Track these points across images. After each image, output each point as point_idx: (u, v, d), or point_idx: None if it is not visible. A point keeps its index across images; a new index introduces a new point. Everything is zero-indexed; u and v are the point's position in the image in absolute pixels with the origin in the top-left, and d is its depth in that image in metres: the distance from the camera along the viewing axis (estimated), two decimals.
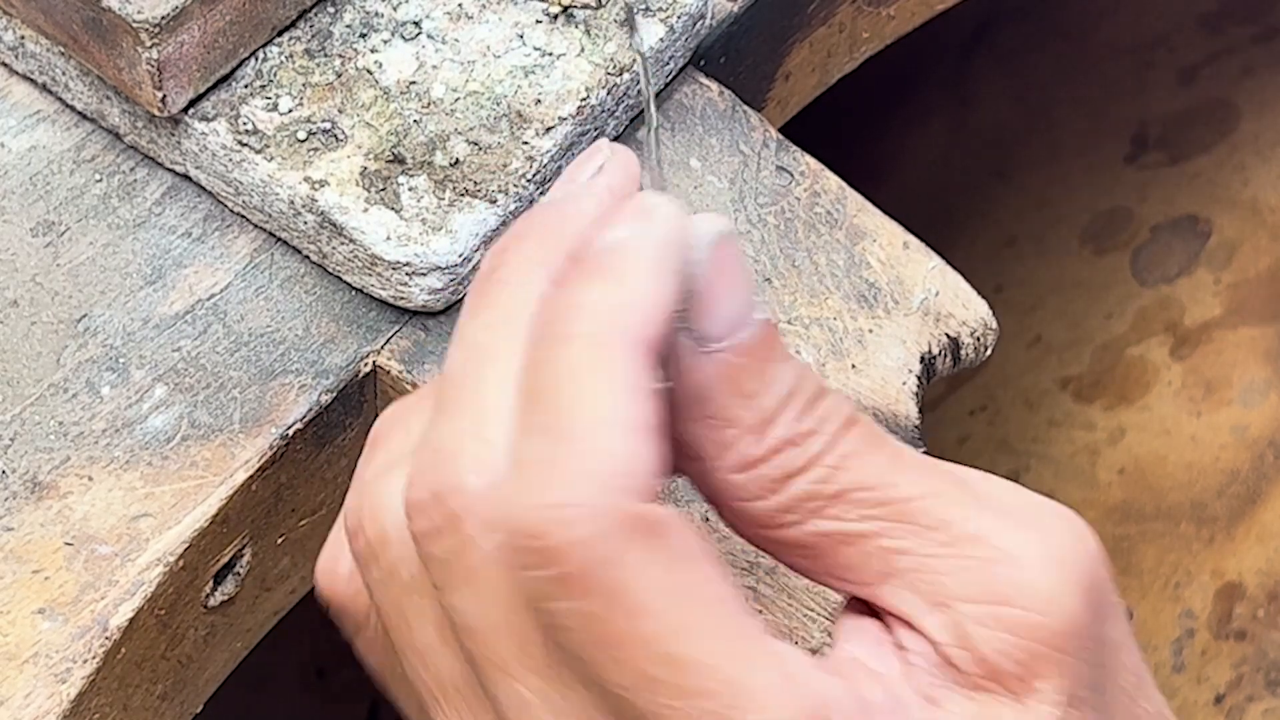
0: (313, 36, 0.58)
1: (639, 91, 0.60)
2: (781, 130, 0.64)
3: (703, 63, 0.63)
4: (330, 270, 0.57)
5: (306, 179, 0.55)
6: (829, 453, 0.41)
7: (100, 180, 0.58)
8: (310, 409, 0.54)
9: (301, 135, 0.56)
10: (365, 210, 0.55)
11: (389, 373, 0.55)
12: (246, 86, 0.57)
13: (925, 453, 0.56)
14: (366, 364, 0.55)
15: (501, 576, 0.38)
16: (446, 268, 0.55)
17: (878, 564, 0.41)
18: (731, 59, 0.64)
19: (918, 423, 0.58)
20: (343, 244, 0.55)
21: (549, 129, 0.57)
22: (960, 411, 1.07)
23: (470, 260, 0.55)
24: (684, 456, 0.41)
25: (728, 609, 0.38)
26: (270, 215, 0.56)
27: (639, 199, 0.41)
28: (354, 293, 0.57)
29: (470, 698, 0.41)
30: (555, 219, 0.42)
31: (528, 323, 0.40)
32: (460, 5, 0.60)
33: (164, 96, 0.55)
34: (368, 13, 0.59)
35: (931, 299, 0.60)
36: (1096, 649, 0.40)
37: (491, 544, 0.38)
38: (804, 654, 0.39)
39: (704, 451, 0.41)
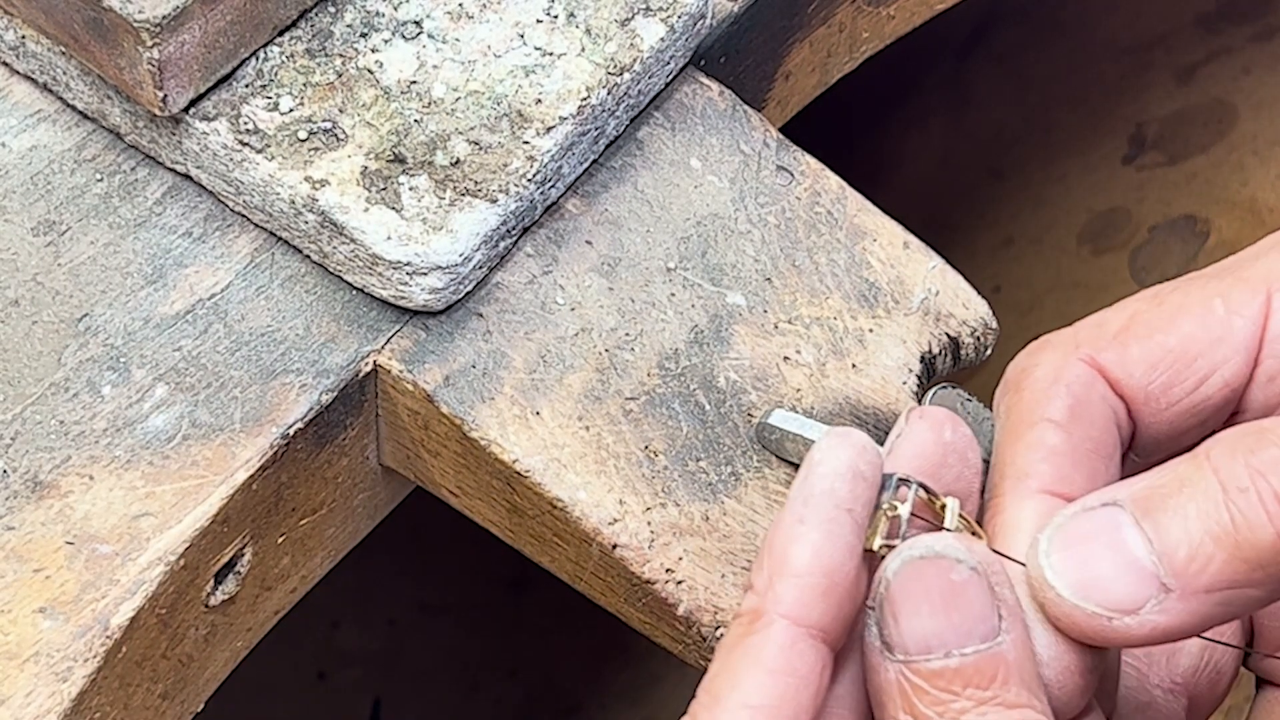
0: (313, 36, 0.58)
1: (640, 92, 0.60)
2: (781, 130, 0.64)
3: (703, 63, 0.63)
4: (331, 270, 0.57)
5: (307, 178, 0.55)
6: None
7: (101, 180, 0.58)
8: (311, 408, 0.54)
9: (302, 135, 0.56)
10: (366, 210, 0.55)
11: (389, 372, 0.55)
12: (247, 86, 0.57)
13: None
14: (367, 363, 0.55)
15: None
16: (447, 267, 0.55)
17: None
18: (732, 59, 0.64)
19: None
20: (343, 244, 0.55)
21: (550, 129, 0.57)
22: None
23: (470, 259, 0.55)
24: None
25: None
26: (271, 215, 0.56)
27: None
28: (354, 292, 0.57)
29: None
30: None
31: None
32: (461, 5, 0.60)
33: (165, 96, 0.55)
34: (368, 12, 0.59)
35: (932, 299, 0.60)
36: None
37: None
38: None
39: None
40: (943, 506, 0.45)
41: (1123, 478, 0.46)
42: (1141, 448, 0.49)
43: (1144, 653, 0.51)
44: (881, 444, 0.46)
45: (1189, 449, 0.44)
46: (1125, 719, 0.50)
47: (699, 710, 0.43)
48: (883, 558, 0.44)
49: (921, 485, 0.45)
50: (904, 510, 0.45)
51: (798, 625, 0.42)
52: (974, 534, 0.46)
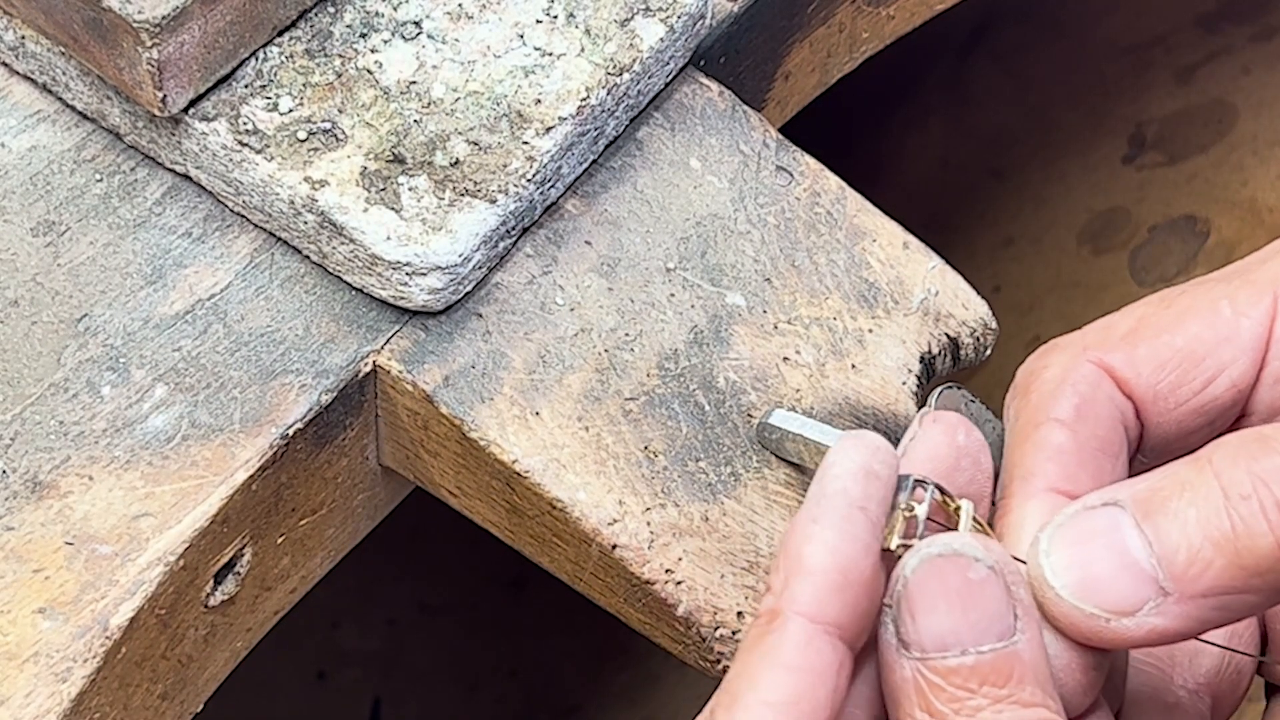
0: (313, 36, 0.58)
1: (640, 92, 0.60)
2: (781, 130, 0.64)
3: (703, 63, 0.63)
4: (330, 270, 0.57)
5: (307, 179, 0.55)
6: None
7: (100, 180, 0.58)
8: (310, 409, 0.54)
9: (302, 135, 0.56)
10: (365, 210, 0.55)
11: (389, 372, 0.55)
12: (247, 86, 0.57)
13: None
14: (366, 364, 0.55)
15: None
16: (446, 267, 0.55)
17: None
18: (731, 59, 0.64)
19: None
20: (343, 244, 0.55)
21: (549, 129, 0.57)
22: None
23: (470, 260, 0.55)
24: None
25: None
26: (270, 215, 0.56)
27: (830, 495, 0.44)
28: (354, 293, 0.57)
29: None
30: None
31: None
32: (460, 5, 0.60)
33: (164, 96, 0.55)
34: (368, 13, 0.59)
35: (931, 299, 0.60)
36: None
37: None
38: None
39: None
40: (957, 509, 0.45)
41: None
42: (1150, 449, 0.49)
43: (1167, 655, 0.51)
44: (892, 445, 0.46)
45: (1197, 450, 0.44)
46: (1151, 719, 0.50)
47: (718, 709, 0.43)
48: (899, 557, 0.44)
49: (937, 487, 0.45)
50: (921, 511, 0.45)
51: (814, 622, 0.42)
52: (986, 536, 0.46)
